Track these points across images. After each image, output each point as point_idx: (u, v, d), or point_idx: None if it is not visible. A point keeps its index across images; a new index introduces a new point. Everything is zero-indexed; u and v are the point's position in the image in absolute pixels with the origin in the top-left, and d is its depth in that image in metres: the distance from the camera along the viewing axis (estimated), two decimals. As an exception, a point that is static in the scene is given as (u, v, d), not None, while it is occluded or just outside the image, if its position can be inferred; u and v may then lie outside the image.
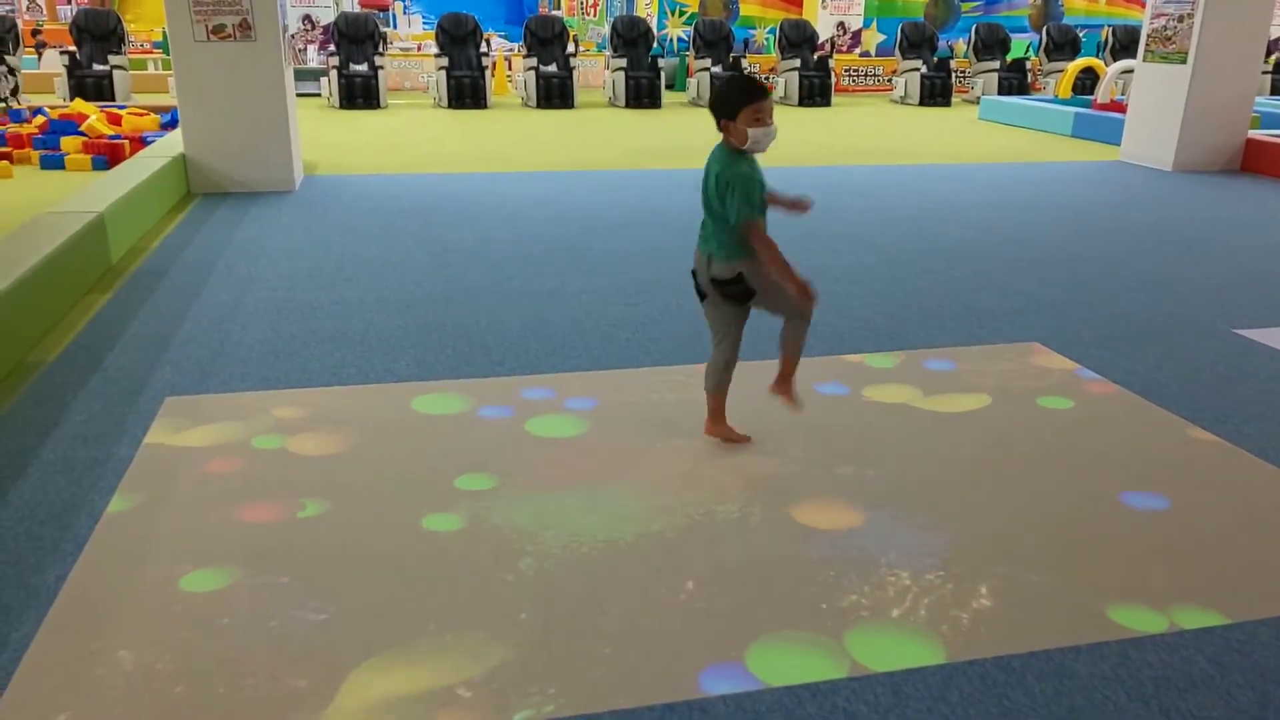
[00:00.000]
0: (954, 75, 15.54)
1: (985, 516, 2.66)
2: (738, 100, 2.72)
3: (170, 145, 7.44)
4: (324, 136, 10.45)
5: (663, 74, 14.41)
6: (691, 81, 14.87)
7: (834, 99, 15.09)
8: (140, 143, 8.56)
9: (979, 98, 14.50)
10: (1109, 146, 10.18)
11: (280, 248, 5.55)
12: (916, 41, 15.62)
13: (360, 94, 13.47)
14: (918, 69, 15.17)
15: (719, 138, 2.78)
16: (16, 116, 9.97)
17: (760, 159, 2.84)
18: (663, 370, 3.68)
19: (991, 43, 15.92)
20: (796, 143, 10.27)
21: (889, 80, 16.68)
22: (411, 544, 2.48)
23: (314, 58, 15.60)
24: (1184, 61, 8.60)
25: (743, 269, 2.83)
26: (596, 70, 16.50)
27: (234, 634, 2.11)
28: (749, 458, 2.99)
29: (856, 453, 3.03)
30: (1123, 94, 12.16)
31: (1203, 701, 1.94)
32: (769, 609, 2.23)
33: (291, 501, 2.67)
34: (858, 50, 17.65)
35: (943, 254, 5.62)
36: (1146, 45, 9.03)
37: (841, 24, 17.25)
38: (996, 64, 15.63)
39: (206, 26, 6.95)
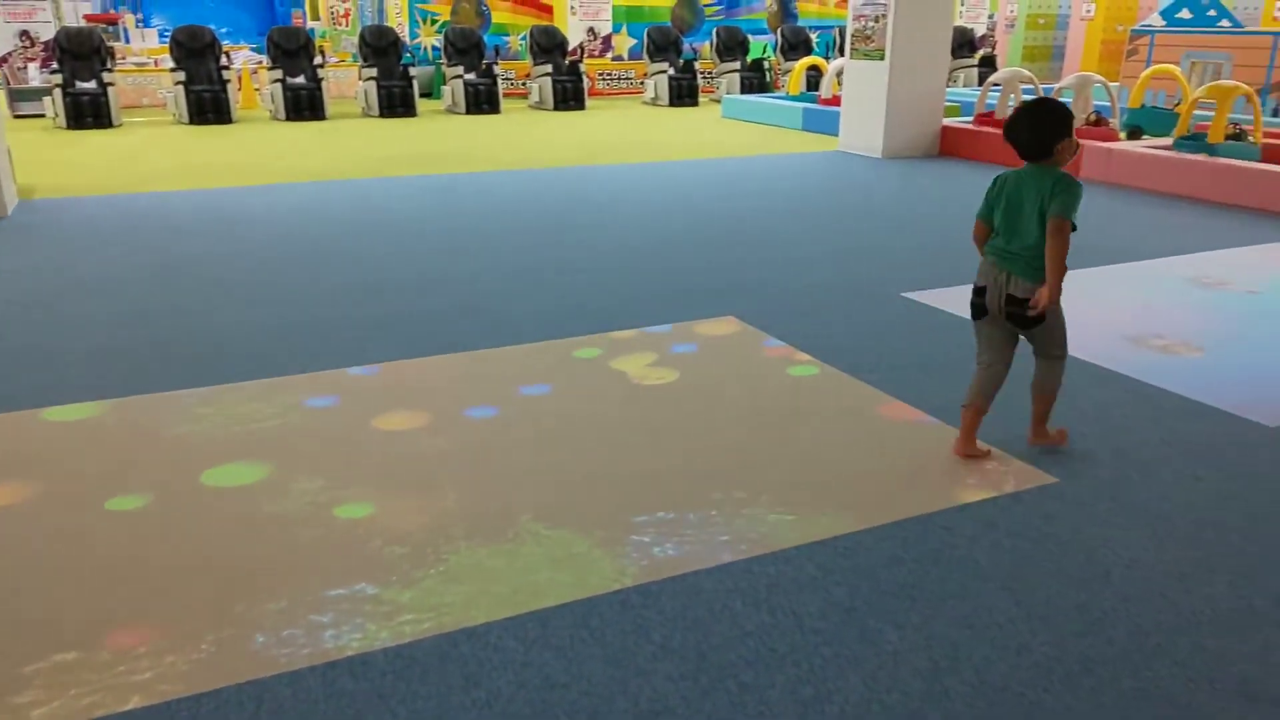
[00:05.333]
0: (700, 76, 16.33)
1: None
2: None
3: None
4: (48, 157, 9.81)
5: (416, 82, 14.38)
6: (446, 89, 14.93)
7: (589, 102, 15.54)
8: None
9: (723, 97, 15.33)
10: (832, 138, 11.05)
11: (-17, 276, 5.25)
12: (662, 45, 16.32)
13: (90, 113, 12.68)
14: (665, 71, 15.85)
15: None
16: None
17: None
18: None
19: (732, 44, 16.83)
20: (551, 144, 10.56)
21: (640, 83, 17.33)
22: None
23: (35, 76, 14.52)
24: (883, 58, 9.50)
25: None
26: (351, 80, 16.23)
27: None
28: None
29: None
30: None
31: (806, 600, 2.30)
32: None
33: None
34: (610, 54, 18.20)
35: (669, 242, 6.03)
36: (851, 44, 9.91)
37: (591, 29, 17.72)
38: (738, 64, 16.54)
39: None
